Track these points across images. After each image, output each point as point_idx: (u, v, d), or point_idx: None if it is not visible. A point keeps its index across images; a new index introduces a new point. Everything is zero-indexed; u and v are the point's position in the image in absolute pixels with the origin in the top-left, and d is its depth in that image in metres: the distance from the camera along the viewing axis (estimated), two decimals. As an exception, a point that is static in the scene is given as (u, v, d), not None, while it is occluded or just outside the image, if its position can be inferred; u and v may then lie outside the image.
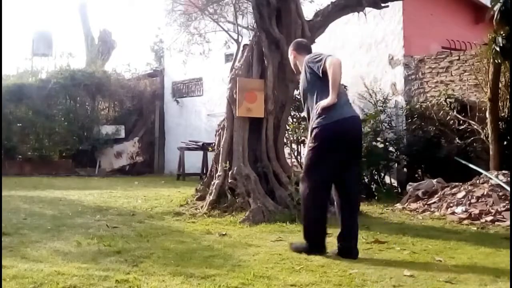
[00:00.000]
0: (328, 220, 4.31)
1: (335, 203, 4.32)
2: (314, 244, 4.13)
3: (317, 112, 4.05)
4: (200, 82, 15.01)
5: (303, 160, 4.28)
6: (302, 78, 4.30)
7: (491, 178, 6.74)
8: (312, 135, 4.11)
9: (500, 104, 7.88)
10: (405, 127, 9.57)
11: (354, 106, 9.80)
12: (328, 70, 3.94)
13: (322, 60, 4.01)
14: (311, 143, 4.12)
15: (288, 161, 7.09)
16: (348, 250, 4.09)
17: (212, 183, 6.79)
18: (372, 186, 8.63)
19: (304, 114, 9.72)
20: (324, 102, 3.99)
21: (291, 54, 4.60)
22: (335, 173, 4.15)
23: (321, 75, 4.03)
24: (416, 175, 9.02)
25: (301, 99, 4.50)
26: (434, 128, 9.11)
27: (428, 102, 9.35)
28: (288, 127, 8.16)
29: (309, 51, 4.59)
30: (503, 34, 6.75)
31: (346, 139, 4.09)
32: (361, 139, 4.42)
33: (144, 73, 16.72)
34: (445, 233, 5.44)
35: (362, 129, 4.46)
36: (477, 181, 7.04)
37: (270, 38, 6.79)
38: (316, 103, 4.10)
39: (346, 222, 4.16)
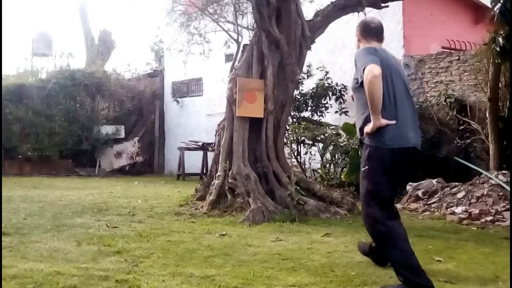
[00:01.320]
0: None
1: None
2: (421, 274, 3.15)
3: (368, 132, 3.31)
4: (200, 82, 15.01)
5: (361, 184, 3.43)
6: (354, 72, 3.47)
7: (491, 178, 6.74)
8: (365, 157, 3.38)
9: (500, 104, 7.88)
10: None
11: (354, 106, 9.81)
12: (365, 88, 3.17)
13: (362, 69, 3.22)
14: (365, 167, 3.37)
15: (288, 161, 7.09)
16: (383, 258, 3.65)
17: (212, 183, 6.79)
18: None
19: (304, 114, 9.79)
20: (368, 128, 3.27)
21: (356, 37, 3.74)
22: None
23: (360, 85, 3.31)
24: (416, 175, 9.01)
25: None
26: (434, 128, 9.11)
27: (428, 102, 9.35)
28: (288, 127, 8.15)
29: (378, 37, 3.60)
30: (503, 34, 6.75)
31: (404, 165, 3.41)
32: (410, 167, 3.62)
33: (144, 73, 16.72)
34: (445, 233, 5.44)
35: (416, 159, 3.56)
36: (477, 181, 7.04)
37: (270, 38, 6.79)
38: (361, 113, 3.43)
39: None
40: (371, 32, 3.60)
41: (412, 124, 3.37)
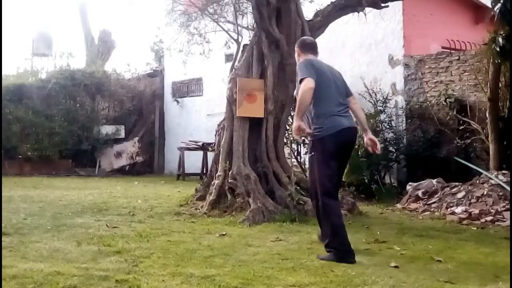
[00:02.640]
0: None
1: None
2: (346, 251, 3.98)
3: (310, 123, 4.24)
4: (200, 82, 15.01)
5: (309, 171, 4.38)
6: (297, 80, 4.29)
7: (491, 178, 6.74)
8: (310, 146, 4.31)
9: (500, 104, 7.88)
10: (405, 127, 9.57)
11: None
12: (299, 93, 4.06)
13: (301, 82, 4.06)
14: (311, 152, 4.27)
15: (288, 161, 7.09)
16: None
17: (212, 183, 6.79)
18: (372, 186, 8.63)
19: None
20: (293, 126, 4.20)
21: (295, 52, 4.53)
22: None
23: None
24: (416, 175, 9.02)
25: None
26: (434, 128, 9.11)
27: (428, 102, 9.35)
28: (288, 127, 8.15)
29: (313, 50, 4.47)
30: (503, 34, 6.76)
31: (341, 146, 4.19)
32: (352, 145, 4.46)
33: (144, 73, 16.71)
34: (445, 233, 5.45)
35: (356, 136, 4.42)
36: (477, 181, 7.04)
37: (270, 38, 6.79)
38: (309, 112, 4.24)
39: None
40: (308, 47, 4.48)
41: (345, 115, 4.23)
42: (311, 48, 4.49)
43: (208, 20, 11.39)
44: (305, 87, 3.98)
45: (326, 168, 4.11)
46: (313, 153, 4.19)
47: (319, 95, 4.07)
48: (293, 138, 8.95)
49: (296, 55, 4.52)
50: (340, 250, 3.96)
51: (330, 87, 4.20)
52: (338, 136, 4.08)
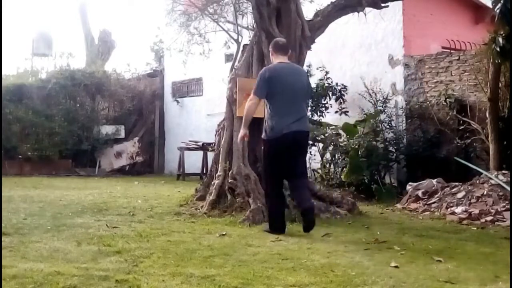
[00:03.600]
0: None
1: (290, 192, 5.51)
2: (278, 225, 5.18)
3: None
4: (200, 82, 15.01)
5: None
6: None
7: (491, 178, 6.75)
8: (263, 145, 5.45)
9: (500, 104, 7.88)
10: (405, 127, 9.57)
11: (354, 106, 9.74)
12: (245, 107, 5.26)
13: (252, 91, 5.17)
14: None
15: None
16: (309, 220, 5.02)
17: (212, 183, 6.79)
18: (372, 186, 8.63)
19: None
20: (240, 134, 5.53)
21: (270, 52, 5.38)
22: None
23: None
24: (416, 175, 9.02)
25: None
26: (434, 128, 9.11)
27: (428, 102, 9.35)
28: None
29: (284, 51, 5.28)
30: (503, 34, 6.75)
31: (285, 148, 5.10)
32: (301, 145, 5.29)
33: (144, 73, 16.71)
34: (445, 233, 5.45)
35: (306, 139, 5.49)
36: (477, 181, 7.04)
37: (270, 38, 6.77)
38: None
39: (300, 191, 5.17)
40: (279, 48, 5.27)
41: (297, 119, 5.06)
42: (283, 49, 5.27)
43: (208, 20, 11.40)
44: (249, 102, 5.14)
45: (269, 166, 5.31)
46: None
47: (268, 104, 5.08)
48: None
49: (270, 54, 5.33)
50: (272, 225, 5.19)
51: (281, 98, 5.04)
52: (277, 140, 5.05)
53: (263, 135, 5.23)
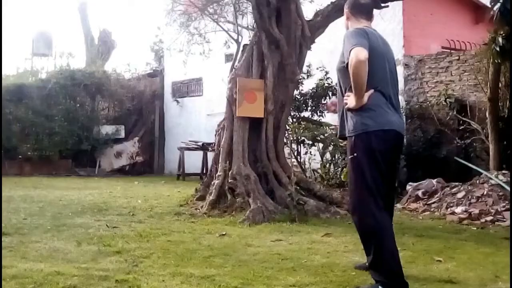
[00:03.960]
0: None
1: None
2: (399, 279, 3.03)
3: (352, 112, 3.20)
4: (200, 82, 15.01)
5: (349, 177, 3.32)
6: (341, 51, 3.30)
7: (491, 178, 6.74)
8: (351, 145, 3.21)
9: (500, 104, 7.88)
10: (405, 127, 9.57)
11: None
12: (349, 71, 3.06)
13: (349, 51, 3.06)
14: (352, 155, 3.21)
15: (288, 161, 7.09)
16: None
17: (212, 183, 6.79)
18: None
19: (304, 114, 9.79)
20: (349, 103, 3.18)
21: (345, 14, 3.53)
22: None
23: (346, 68, 3.14)
24: (416, 175, 9.02)
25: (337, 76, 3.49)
26: (434, 128, 9.11)
27: (428, 102, 9.35)
28: (288, 127, 8.15)
29: (368, 14, 3.48)
30: (503, 34, 6.75)
31: (388, 150, 3.22)
32: (399, 150, 3.47)
33: (144, 73, 16.71)
34: (445, 233, 5.44)
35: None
36: (477, 181, 7.04)
37: (270, 38, 6.79)
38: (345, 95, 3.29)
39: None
40: (361, 9, 3.45)
41: (396, 110, 3.28)
42: (367, 11, 3.48)
43: (208, 20, 11.39)
44: (355, 60, 2.98)
45: (373, 172, 3.13)
46: (354, 154, 3.18)
47: (369, 78, 3.07)
48: (293, 138, 8.99)
49: (345, 17, 3.52)
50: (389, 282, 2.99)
51: (384, 70, 3.26)
52: (386, 137, 3.16)
53: (354, 129, 3.18)
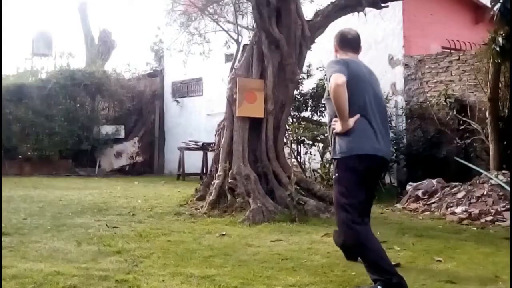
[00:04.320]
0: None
1: None
2: (393, 273, 3.19)
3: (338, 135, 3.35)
4: (200, 82, 15.00)
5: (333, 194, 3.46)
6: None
7: (491, 178, 6.74)
8: (336, 166, 3.41)
9: (500, 104, 7.88)
10: (405, 127, 9.57)
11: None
12: (330, 93, 3.25)
13: (329, 78, 3.27)
14: (336, 175, 3.39)
15: (288, 161, 7.08)
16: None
17: (212, 183, 6.79)
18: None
19: (304, 114, 9.79)
20: (336, 128, 3.32)
21: (334, 47, 3.71)
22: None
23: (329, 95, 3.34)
24: (416, 175, 9.02)
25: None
26: (434, 128, 9.11)
27: (428, 102, 9.35)
28: (288, 127, 8.15)
29: (354, 48, 3.61)
30: (503, 34, 6.75)
31: (369, 171, 3.37)
32: (379, 172, 3.75)
33: (144, 73, 16.71)
34: (445, 233, 5.45)
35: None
36: (477, 181, 7.04)
37: (270, 38, 6.79)
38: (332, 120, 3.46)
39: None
40: (348, 43, 3.60)
41: (380, 134, 3.34)
42: (353, 45, 3.62)
43: (208, 20, 11.38)
44: (333, 84, 3.18)
45: (355, 192, 3.30)
46: (336, 174, 3.37)
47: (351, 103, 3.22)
48: (293, 138, 8.99)
49: (334, 50, 3.71)
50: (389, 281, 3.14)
51: (368, 97, 3.36)
52: (370, 162, 3.30)
53: (337, 153, 3.36)
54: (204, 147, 12.57)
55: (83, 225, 5.43)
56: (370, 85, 3.44)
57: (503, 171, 7.08)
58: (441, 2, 10.78)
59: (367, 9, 7.25)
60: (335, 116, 3.34)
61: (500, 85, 7.76)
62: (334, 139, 3.41)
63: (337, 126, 3.30)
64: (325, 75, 9.83)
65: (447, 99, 8.85)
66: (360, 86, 3.34)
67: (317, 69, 10.06)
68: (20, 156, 13.50)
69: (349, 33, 3.64)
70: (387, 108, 3.73)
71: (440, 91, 9.11)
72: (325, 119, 9.98)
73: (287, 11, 6.82)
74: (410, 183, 8.01)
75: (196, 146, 13.11)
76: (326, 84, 3.56)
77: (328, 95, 3.37)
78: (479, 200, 6.64)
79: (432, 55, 9.55)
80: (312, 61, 9.61)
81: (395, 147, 9.26)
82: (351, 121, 3.25)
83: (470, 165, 7.43)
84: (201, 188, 7.34)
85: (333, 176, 3.42)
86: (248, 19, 10.20)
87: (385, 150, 3.39)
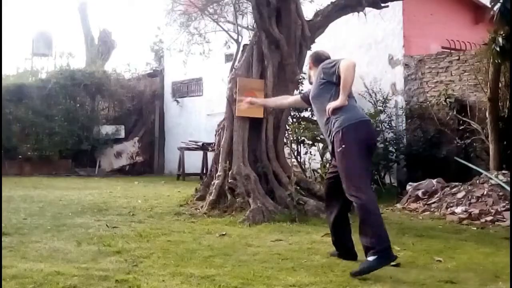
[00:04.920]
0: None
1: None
2: (388, 245, 3.60)
3: (334, 115, 3.81)
4: (200, 82, 15.00)
5: (340, 167, 3.83)
6: (313, 85, 4.12)
7: (491, 178, 6.74)
8: (339, 138, 3.77)
9: (500, 104, 7.88)
10: (405, 127, 9.57)
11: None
12: (341, 73, 3.76)
13: (337, 64, 3.82)
14: (341, 147, 3.75)
15: (288, 161, 7.08)
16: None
17: (212, 183, 6.79)
18: (372, 186, 8.62)
19: (304, 114, 9.79)
20: (334, 104, 3.79)
21: (308, 65, 4.37)
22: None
23: (335, 80, 3.86)
24: (416, 175, 9.02)
25: (312, 106, 4.23)
26: (434, 128, 9.11)
27: (428, 102, 9.35)
28: (288, 127, 8.15)
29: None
30: (503, 34, 6.75)
31: (369, 138, 3.93)
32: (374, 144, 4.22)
33: (144, 73, 16.71)
34: (445, 233, 5.45)
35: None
36: (477, 181, 7.04)
37: (270, 38, 6.79)
38: (324, 121, 3.94)
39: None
40: (322, 61, 4.13)
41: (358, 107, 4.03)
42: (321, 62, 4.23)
43: (208, 20, 11.39)
44: (348, 63, 3.76)
45: (361, 157, 3.76)
46: (343, 146, 3.74)
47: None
48: (293, 138, 8.98)
49: (308, 67, 4.36)
50: (385, 252, 3.55)
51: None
52: (362, 126, 3.84)
53: (341, 125, 3.77)
54: (204, 147, 12.57)
55: (83, 225, 5.43)
56: None
57: (503, 171, 7.08)
58: (441, 2, 10.78)
59: (367, 9, 7.25)
60: (332, 100, 3.86)
61: (500, 85, 7.76)
62: (331, 121, 3.86)
63: (336, 102, 3.81)
64: (317, 85, 9.89)
65: (447, 99, 8.85)
66: None
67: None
68: (20, 156, 13.50)
69: (323, 54, 4.31)
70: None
71: (440, 91, 9.11)
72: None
73: (287, 11, 6.82)
74: (410, 183, 8.01)
75: (196, 146, 13.11)
76: (316, 84, 4.06)
77: (316, 93, 4.04)
78: (479, 200, 6.64)
79: (432, 55, 9.55)
80: (312, 61, 9.61)
81: (395, 147, 9.26)
82: (346, 101, 3.81)
83: (470, 165, 7.44)
84: (201, 188, 7.34)
85: (339, 150, 3.78)
86: (248, 19, 10.20)
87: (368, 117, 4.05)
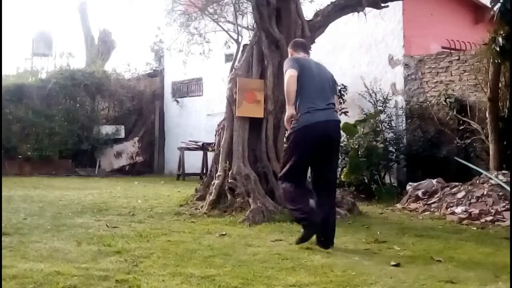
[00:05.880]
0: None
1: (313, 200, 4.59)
2: (303, 217, 4.47)
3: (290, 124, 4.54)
4: (200, 82, 15.00)
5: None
6: None
7: (491, 178, 6.74)
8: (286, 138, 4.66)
9: (500, 104, 7.88)
10: (405, 127, 9.57)
11: (354, 106, 9.67)
12: (285, 84, 4.48)
13: (285, 72, 4.49)
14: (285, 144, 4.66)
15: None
16: (326, 241, 4.41)
17: (212, 183, 6.79)
18: (372, 186, 8.63)
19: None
20: (285, 117, 4.55)
21: (289, 53, 4.92)
22: (306, 168, 4.74)
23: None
24: (416, 175, 9.02)
25: None
26: (434, 128, 9.11)
27: (428, 102, 9.34)
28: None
29: (304, 49, 4.91)
30: (503, 34, 6.75)
31: (315, 140, 4.44)
32: (333, 139, 4.60)
33: (144, 73, 16.70)
34: (445, 233, 5.45)
35: (338, 130, 4.71)
36: (477, 181, 7.04)
37: (270, 38, 6.79)
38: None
39: (325, 211, 4.47)
40: (299, 46, 4.90)
41: (325, 109, 4.48)
42: (302, 47, 4.93)
43: (208, 20, 11.38)
44: (287, 76, 4.43)
45: (295, 157, 4.48)
46: (286, 144, 4.65)
47: (299, 90, 4.41)
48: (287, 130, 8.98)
49: (289, 55, 4.87)
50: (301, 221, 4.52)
51: (312, 82, 4.52)
52: (312, 129, 4.39)
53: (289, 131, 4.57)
54: (204, 147, 12.56)
55: (83, 225, 5.43)
56: (315, 75, 4.57)
57: (503, 171, 7.07)
58: (441, 2, 10.78)
59: (367, 9, 7.25)
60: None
61: (500, 85, 7.76)
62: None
63: (285, 117, 4.53)
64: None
65: (447, 99, 8.85)
66: (306, 73, 4.49)
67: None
68: (20, 156, 13.49)
69: (299, 40, 5.20)
70: (336, 86, 5.00)
71: (440, 91, 9.10)
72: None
73: (287, 11, 6.82)
74: (410, 183, 8.00)
75: (196, 146, 13.11)
76: None
77: None
78: (479, 200, 6.64)
79: (432, 55, 9.55)
80: (312, 61, 9.61)
81: (395, 147, 9.26)
82: (293, 109, 4.40)
83: (470, 165, 7.43)
84: (201, 188, 7.34)
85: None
86: (248, 19, 10.19)
87: (329, 115, 4.50)
